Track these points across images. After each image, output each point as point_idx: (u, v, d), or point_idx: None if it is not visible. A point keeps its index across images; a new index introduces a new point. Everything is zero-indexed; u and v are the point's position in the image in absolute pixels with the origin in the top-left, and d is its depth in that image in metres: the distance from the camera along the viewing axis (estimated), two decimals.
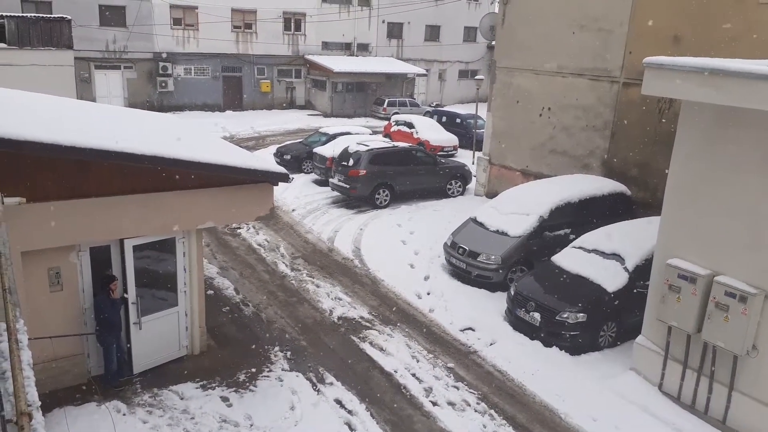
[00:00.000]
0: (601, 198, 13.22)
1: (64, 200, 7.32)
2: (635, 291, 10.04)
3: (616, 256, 10.52)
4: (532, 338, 10.32)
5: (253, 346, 9.92)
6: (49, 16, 22.47)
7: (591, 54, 15.26)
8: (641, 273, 10.07)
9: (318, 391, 8.80)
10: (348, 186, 17.28)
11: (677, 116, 8.63)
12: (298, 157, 21.28)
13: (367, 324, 10.87)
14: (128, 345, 8.58)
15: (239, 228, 15.52)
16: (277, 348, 9.90)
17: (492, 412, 8.56)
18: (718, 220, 8.02)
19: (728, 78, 7.11)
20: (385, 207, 17.54)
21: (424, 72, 40.92)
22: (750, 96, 6.96)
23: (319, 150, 20.11)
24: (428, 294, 12.15)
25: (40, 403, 2.86)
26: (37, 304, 7.56)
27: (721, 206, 7.97)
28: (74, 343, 8.15)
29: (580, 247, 11.18)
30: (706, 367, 8.29)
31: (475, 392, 9.00)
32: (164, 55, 32.58)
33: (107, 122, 9.95)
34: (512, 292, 10.94)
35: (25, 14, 22.62)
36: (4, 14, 20.46)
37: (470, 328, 10.82)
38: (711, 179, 8.07)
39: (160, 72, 32.89)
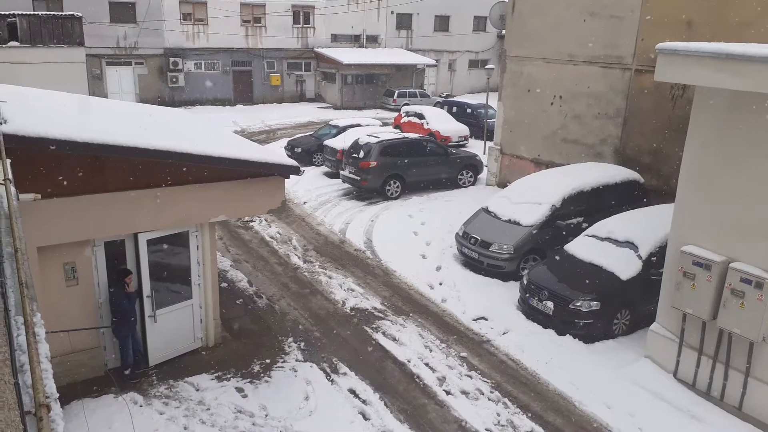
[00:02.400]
0: (614, 186, 13.12)
1: (78, 196, 7.39)
2: (649, 278, 9.98)
3: (630, 244, 10.45)
4: (545, 327, 10.30)
5: (267, 338, 9.99)
6: (60, 13, 22.64)
7: (602, 41, 15.11)
8: (655, 260, 10.01)
9: (332, 381, 8.86)
10: (359, 178, 17.29)
11: (690, 102, 8.55)
12: (309, 149, 21.31)
13: (380, 314, 10.91)
14: (144, 338, 8.68)
15: (252, 221, 15.60)
16: (290, 339, 9.97)
17: (506, 400, 8.57)
18: (733, 206, 7.93)
19: (744, 63, 7.01)
20: (396, 198, 17.54)
21: (434, 62, 40.73)
22: (766, 81, 6.85)
23: (329, 142, 20.13)
24: (440, 284, 12.15)
25: (58, 395, 2.90)
26: (53, 299, 7.66)
27: (736, 192, 7.89)
28: (91, 337, 8.26)
29: (593, 236, 11.12)
30: (721, 354, 8.24)
31: (489, 381, 9.01)
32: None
33: (118, 117, 10.03)
34: (525, 281, 10.92)
35: (36, 12, 22.80)
36: (16, 12, 20.63)
37: (483, 318, 10.82)
38: (725, 165, 7.98)
39: (171, 67, 33.01)
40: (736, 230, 7.93)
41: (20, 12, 20.96)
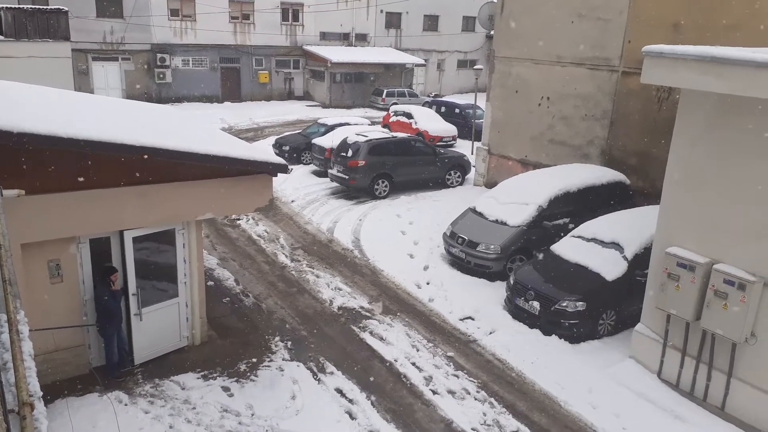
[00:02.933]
0: (600, 187, 13.22)
1: (63, 192, 7.32)
2: (634, 279, 10.06)
3: (615, 245, 10.53)
4: (531, 327, 10.36)
5: (254, 337, 9.95)
6: (45, 7, 22.39)
7: (590, 43, 15.21)
8: (640, 261, 10.09)
9: (319, 380, 8.84)
10: (347, 177, 17.27)
11: (676, 105, 8.62)
12: (297, 148, 21.25)
13: (367, 314, 10.90)
14: (129, 336, 8.61)
15: (239, 219, 15.52)
16: (277, 338, 9.94)
17: (492, 400, 8.60)
18: (717, 208, 8.02)
19: (729, 66, 7.08)
20: (384, 197, 17.54)
21: (423, 62, 40.80)
22: (752, 84, 6.93)
23: (317, 141, 20.09)
24: (428, 284, 12.17)
25: (42, 393, 2.87)
26: (37, 296, 7.58)
27: (721, 194, 7.98)
28: (75, 335, 8.18)
29: (579, 236, 11.19)
30: (704, 355, 8.33)
31: (475, 381, 9.04)
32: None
33: (104, 113, 9.93)
34: (512, 281, 10.97)
35: (21, 6, 22.51)
36: (0, 6, 20.34)
37: (470, 318, 10.86)
38: (710, 167, 8.07)
39: (158, 63, 32.76)
40: (720, 232, 8.02)
41: (5, 5, 20.68)
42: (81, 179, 7.44)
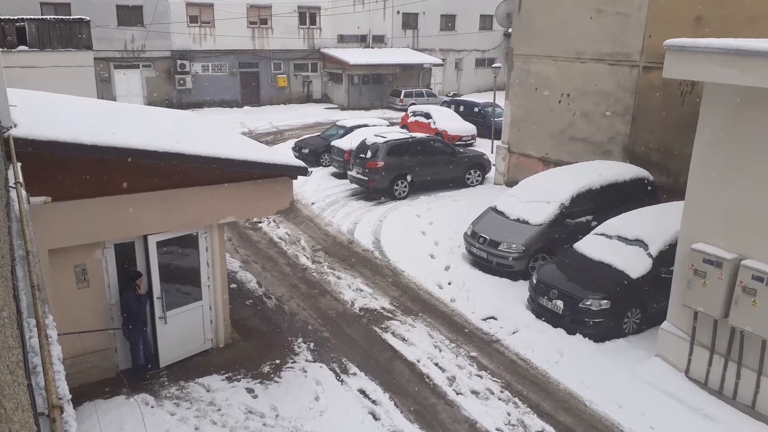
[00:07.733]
0: (623, 184, 13.06)
1: (88, 198, 7.44)
2: (659, 277, 9.92)
3: (640, 242, 10.40)
4: (555, 326, 10.26)
5: (277, 338, 10.00)
6: (68, 17, 22.74)
7: (610, 38, 15.04)
8: (665, 258, 9.95)
9: (342, 381, 8.86)
10: (366, 178, 17.29)
11: (700, 99, 8.48)
12: (316, 150, 21.34)
13: (389, 314, 10.90)
14: (154, 339, 8.72)
15: (260, 222, 15.63)
16: (300, 339, 9.98)
17: (516, 400, 8.54)
18: (743, 202, 7.87)
19: (753, 58, 6.96)
20: (404, 198, 17.53)
21: (440, 62, 40.68)
22: None
23: (336, 143, 20.14)
24: (449, 284, 12.13)
25: (70, 396, 2.91)
26: (64, 301, 7.71)
27: (747, 189, 7.83)
28: (102, 338, 8.31)
29: (602, 234, 11.07)
30: (733, 353, 8.18)
31: (499, 381, 8.99)
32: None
33: (127, 120, 10.08)
34: (534, 281, 10.88)
35: (44, 17, 22.93)
36: (24, 17, 20.74)
37: (492, 317, 10.80)
38: (736, 161, 7.92)
39: (179, 70, 33.15)
40: (747, 227, 7.87)
41: (29, 17, 21.07)
42: (105, 185, 7.56)
